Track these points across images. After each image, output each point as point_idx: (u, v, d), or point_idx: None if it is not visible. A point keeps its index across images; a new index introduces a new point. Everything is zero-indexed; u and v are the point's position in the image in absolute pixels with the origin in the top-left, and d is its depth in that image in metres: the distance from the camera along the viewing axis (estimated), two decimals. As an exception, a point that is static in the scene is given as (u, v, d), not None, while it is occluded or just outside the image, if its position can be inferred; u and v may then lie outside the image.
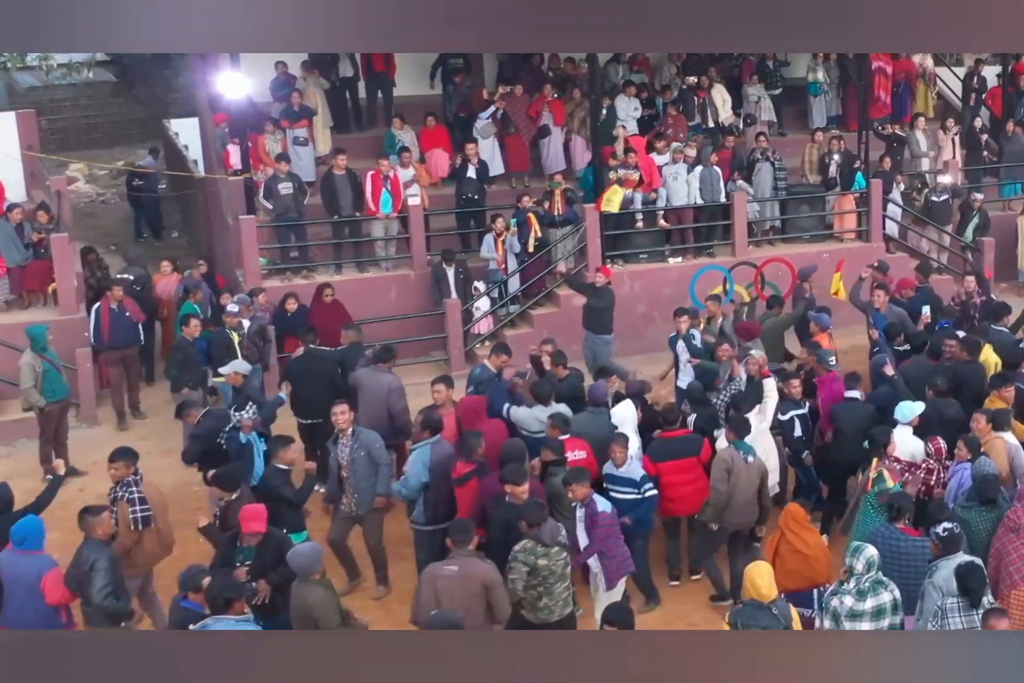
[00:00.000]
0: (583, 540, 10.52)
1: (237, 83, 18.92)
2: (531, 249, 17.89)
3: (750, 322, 15.01)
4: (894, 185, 19.65)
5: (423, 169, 19.27)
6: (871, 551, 8.92)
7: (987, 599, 8.72)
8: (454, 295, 17.65)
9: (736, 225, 18.72)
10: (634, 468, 11.33)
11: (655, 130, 20.25)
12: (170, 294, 17.49)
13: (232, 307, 15.93)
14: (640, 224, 18.79)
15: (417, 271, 18.29)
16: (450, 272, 17.72)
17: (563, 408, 12.22)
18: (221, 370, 13.61)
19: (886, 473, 10.76)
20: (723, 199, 18.82)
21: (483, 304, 17.90)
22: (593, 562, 10.52)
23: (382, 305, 18.11)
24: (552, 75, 21.83)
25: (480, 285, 17.95)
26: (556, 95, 20.51)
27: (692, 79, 20.88)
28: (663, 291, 18.29)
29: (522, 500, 10.10)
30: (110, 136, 34.52)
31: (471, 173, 18.82)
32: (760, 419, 12.07)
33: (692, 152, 18.76)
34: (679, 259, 18.78)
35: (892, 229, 19.94)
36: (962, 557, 9.06)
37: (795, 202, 19.79)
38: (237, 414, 12.55)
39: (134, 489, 10.54)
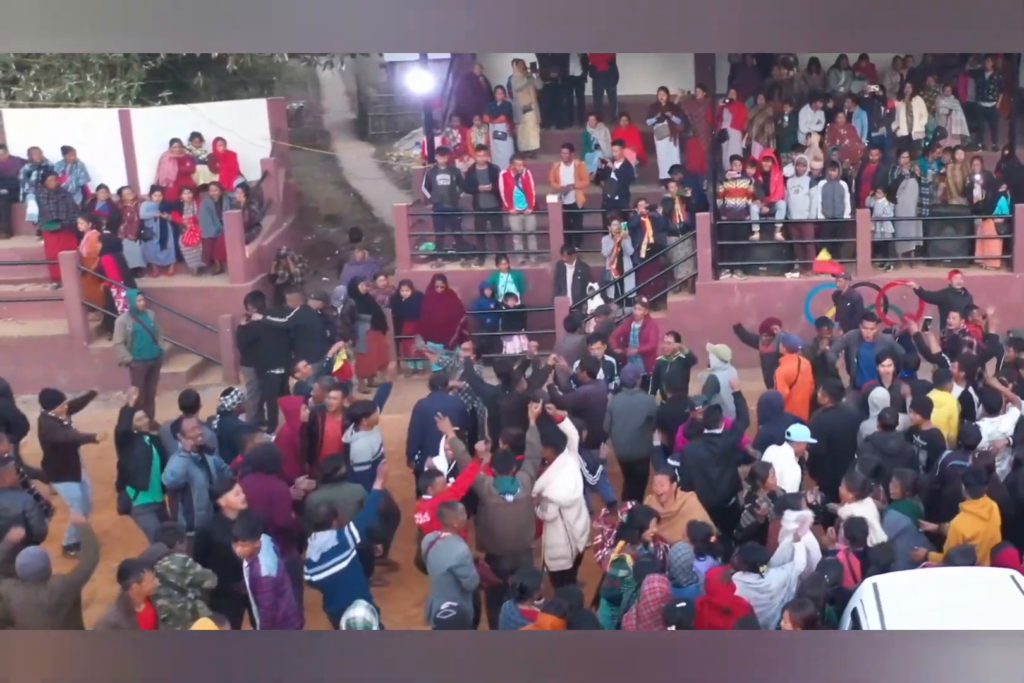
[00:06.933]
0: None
1: (423, 81, 20.68)
2: (643, 254, 18.28)
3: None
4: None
5: (583, 168, 19.99)
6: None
7: None
8: (568, 293, 18.38)
9: (859, 243, 18.00)
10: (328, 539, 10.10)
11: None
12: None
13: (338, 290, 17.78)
14: (756, 236, 18.57)
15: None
16: (569, 270, 18.44)
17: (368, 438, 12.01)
18: None
19: (629, 559, 9.93)
20: (847, 215, 18.15)
21: (595, 304, 18.43)
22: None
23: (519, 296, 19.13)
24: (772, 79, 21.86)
25: (595, 285, 18.54)
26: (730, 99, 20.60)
27: (873, 88, 20.08)
28: (776, 305, 17.91)
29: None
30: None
31: (613, 175, 19.39)
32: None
33: (818, 164, 18.25)
34: (796, 274, 18.37)
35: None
36: None
37: (939, 223, 18.67)
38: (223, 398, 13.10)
39: None
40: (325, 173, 32.16)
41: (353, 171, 32.39)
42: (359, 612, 8.84)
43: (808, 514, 10.16)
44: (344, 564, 9.93)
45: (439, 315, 17.97)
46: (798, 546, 9.91)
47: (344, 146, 35.20)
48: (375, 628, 8.76)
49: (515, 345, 18.45)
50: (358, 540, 10.11)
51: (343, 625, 8.83)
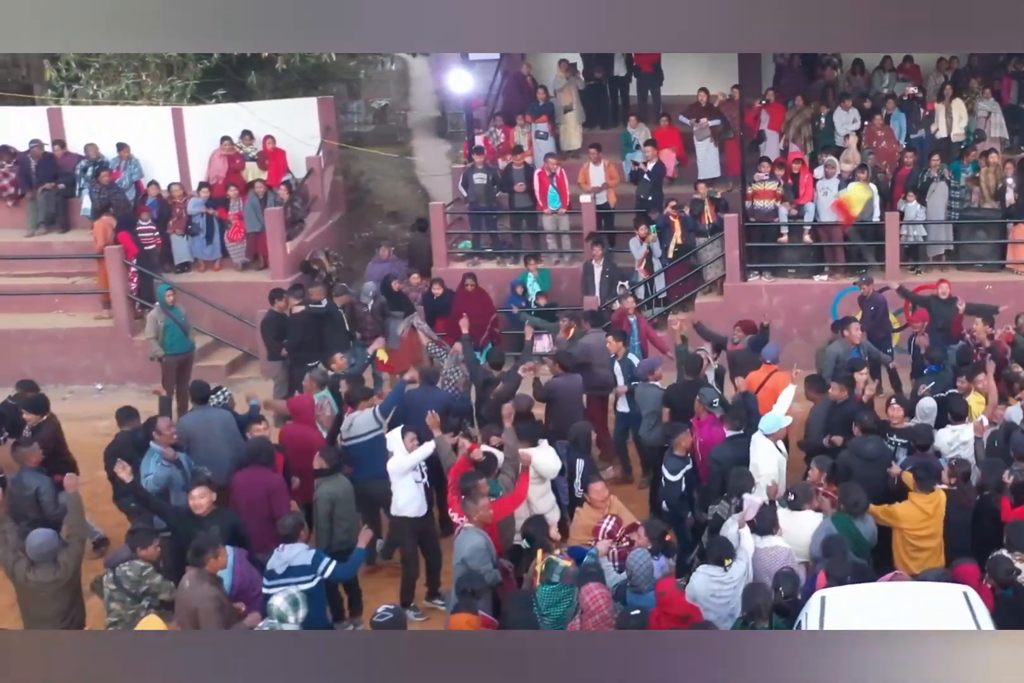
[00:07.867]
0: None
1: (463, 81, 20.93)
2: (671, 255, 18.42)
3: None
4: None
5: (613, 167, 20.14)
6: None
7: None
8: (597, 292, 18.56)
9: (888, 247, 17.92)
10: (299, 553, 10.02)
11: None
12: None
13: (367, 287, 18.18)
14: (785, 238, 18.56)
15: (587, 265, 19.24)
16: (597, 269, 18.58)
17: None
18: None
19: (555, 558, 9.79)
20: (875, 218, 18.07)
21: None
22: None
23: (551, 295, 19.36)
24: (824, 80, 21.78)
25: (625, 284, 18.67)
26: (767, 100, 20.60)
27: (912, 89, 19.94)
28: (804, 308, 18.07)
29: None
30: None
31: (646, 176, 19.52)
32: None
33: (849, 167, 18.19)
34: (824, 277, 18.38)
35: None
36: None
37: (971, 227, 18.49)
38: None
39: None
40: (397, 170, 32.63)
41: (425, 168, 32.80)
42: (277, 600, 8.88)
43: (756, 500, 10.51)
44: (307, 586, 9.72)
45: (469, 313, 18.18)
46: (744, 533, 10.17)
47: (423, 143, 35.54)
48: (290, 620, 8.81)
49: (544, 344, 18.66)
50: (326, 576, 10.01)
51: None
